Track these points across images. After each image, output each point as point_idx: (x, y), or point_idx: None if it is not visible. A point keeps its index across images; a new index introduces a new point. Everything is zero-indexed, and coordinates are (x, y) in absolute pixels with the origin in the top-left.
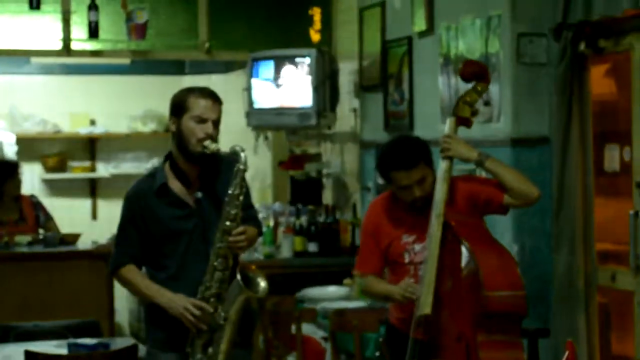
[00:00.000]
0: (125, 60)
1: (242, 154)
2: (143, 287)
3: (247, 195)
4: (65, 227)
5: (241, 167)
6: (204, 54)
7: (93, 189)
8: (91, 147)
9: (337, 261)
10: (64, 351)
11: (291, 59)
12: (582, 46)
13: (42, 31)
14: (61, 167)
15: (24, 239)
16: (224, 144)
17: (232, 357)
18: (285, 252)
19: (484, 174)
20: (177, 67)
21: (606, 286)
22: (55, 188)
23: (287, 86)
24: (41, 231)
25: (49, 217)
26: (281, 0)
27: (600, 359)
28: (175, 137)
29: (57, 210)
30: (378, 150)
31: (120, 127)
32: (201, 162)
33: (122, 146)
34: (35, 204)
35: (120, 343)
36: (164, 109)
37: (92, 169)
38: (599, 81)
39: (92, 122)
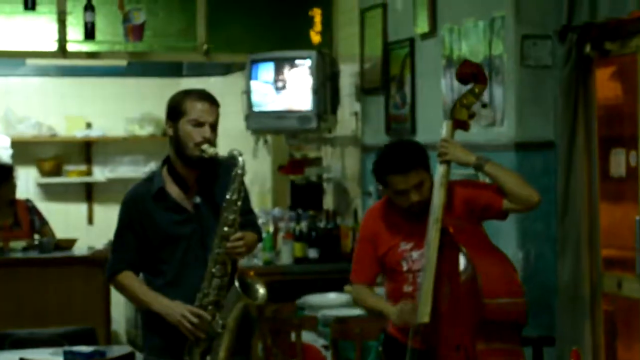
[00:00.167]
0: (122, 62)
1: (240, 158)
2: (140, 294)
3: (246, 200)
4: (60, 232)
5: (239, 171)
6: (202, 56)
7: (89, 193)
8: (87, 150)
9: (338, 267)
10: (59, 359)
11: (291, 61)
12: (588, 48)
13: (38, 32)
14: (57, 171)
15: (19, 244)
16: (223, 148)
17: None
18: (285, 259)
19: (487, 180)
20: (174, 69)
21: (612, 293)
22: (51, 192)
23: (287, 89)
24: (36, 236)
25: (44, 222)
26: (281, 1)
27: None
28: (173, 141)
29: (52, 215)
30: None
31: (117, 130)
32: (199, 166)
33: (119, 150)
34: (30, 208)
35: (117, 351)
36: (162, 111)
37: (88, 172)
38: (605, 84)
39: (88, 125)
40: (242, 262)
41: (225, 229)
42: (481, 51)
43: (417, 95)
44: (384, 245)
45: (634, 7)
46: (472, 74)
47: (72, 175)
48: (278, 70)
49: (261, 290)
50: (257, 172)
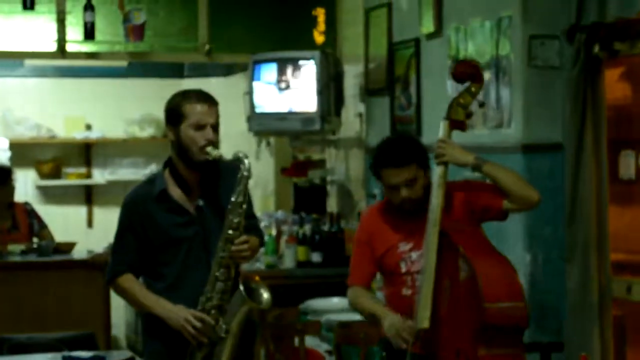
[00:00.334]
0: (122, 63)
1: (246, 161)
2: (141, 297)
3: (249, 203)
4: (59, 235)
5: (245, 173)
6: (203, 56)
7: (89, 196)
8: (87, 152)
9: (342, 271)
10: None
11: (294, 62)
12: (596, 49)
13: (36, 32)
14: (56, 174)
15: (18, 247)
16: (225, 150)
17: None
18: (288, 262)
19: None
20: (175, 70)
21: (621, 298)
22: (50, 195)
23: (290, 90)
24: (35, 240)
25: (43, 225)
26: (284, 1)
27: None
28: (175, 146)
29: (51, 218)
30: None
31: (117, 131)
32: (202, 168)
33: (119, 151)
34: (29, 211)
35: (116, 356)
36: (162, 113)
37: (88, 175)
38: (614, 85)
39: (88, 127)
40: (244, 266)
41: (230, 231)
42: (488, 51)
43: (423, 96)
44: (381, 246)
45: None
46: (468, 72)
47: (72, 177)
48: (281, 71)
49: (265, 295)
50: (260, 174)
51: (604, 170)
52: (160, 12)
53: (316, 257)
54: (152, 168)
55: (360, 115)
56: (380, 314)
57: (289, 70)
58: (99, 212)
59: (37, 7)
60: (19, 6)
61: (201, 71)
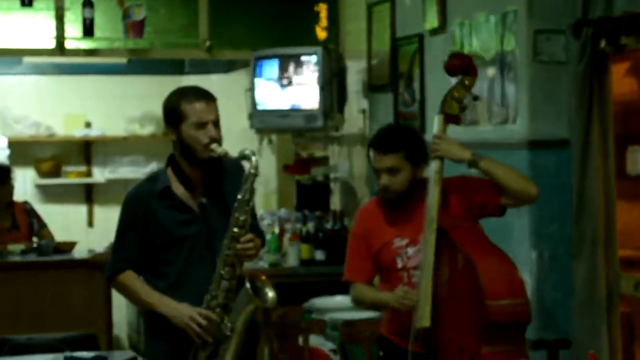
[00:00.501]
0: (122, 60)
1: (254, 158)
2: (144, 295)
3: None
4: (60, 234)
5: (252, 171)
6: (204, 53)
7: (89, 194)
8: (86, 150)
9: None
10: None
11: (296, 58)
12: (603, 43)
13: (35, 29)
14: (55, 172)
15: (17, 247)
16: (227, 148)
17: None
18: (292, 261)
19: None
20: (176, 67)
21: (629, 295)
22: (50, 194)
23: (292, 86)
24: (35, 239)
25: (43, 225)
26: None
27: None
28: (178, 146)
29: (51, 217)
30: None
31: (117, 129)
32: (206, 166)
33: (119, 150)
34: (28, 211)
35: (118, 356)
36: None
37: (88, 173)
38: (621, 80)
39: (88, 125)
40: (247, 265)
41: (236, 229)
42: (493, 47)
43: (427, 92)
44: (377, 241)
45: None
46: (461, 65)
47: (71, 176)
48: (283, 67)
49: (271, 294)
50: (262, 172)
51: (610, 166)
52: (160, 8)
53: (320, 255)
54: (153, 166)
55: (363, 111)
56: (383, 296)
57: (291, 66)
58: (99, 211)
59: (35, 3)
60: (17, 3)
61: (202, 68)
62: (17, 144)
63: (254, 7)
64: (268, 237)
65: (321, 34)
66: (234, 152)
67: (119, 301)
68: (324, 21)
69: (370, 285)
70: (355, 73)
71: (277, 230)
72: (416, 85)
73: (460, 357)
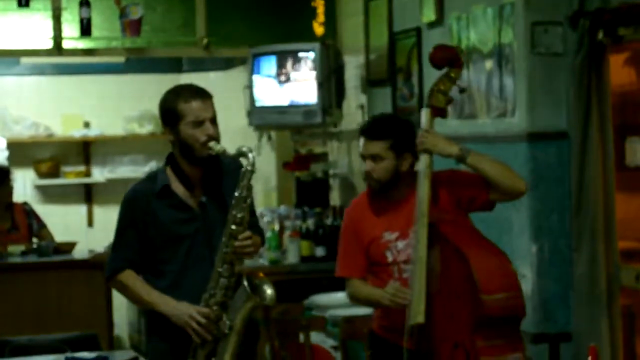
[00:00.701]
0: (120, 59)
1: (251, 155)
2: (144, 294)
3: (251, 200)
4: (59, 235)
5: (249, 168)
6: (202, 51)
7: (88, 194)
8: (85, 150)
9: None
10: None
11: (294, 54)
12: (601, 35)
13: (32, 30)
14: (54, 173)
15: (17, 248)
16: (225, 145)
17: None
18: (292, 258)
19: None
20: (174, 65)
21: (630, 287)
22: (49, 194)
23: (291, 83)
24: (35, 240)
25: (42, 225)
26: None
27: None
28: (177, 145)
29: (51, 217)
30: None
31: (116, 129)
32: (205, 164)
33: (118, 149)
34: (28, 211)
35: (120, 356)
36: None
37: (87, 173)
38: (619, 71)
39: (86, 125)
40: (248, 262)
41: (234, 227)
42: (490, 39)
43: (425, 86)
44: (367, 235)
45: None
46: (446, 57)
47: (70, 176)
48: (281, 64)
49: (269, 291)
50: (261, 169)
51: (610, 157)
52: (158, 6)
53: (320, 251)
54: (152, 165)
55: (361, 107)
56: (376, 292)
57: (289, 62)
58: (99, 211)
59: (32, 4)
60: (14, 3)
61: (200, 66)
62: (15, 144)
63: (250, 4)
64: (268, 234)
65: (319, 30)
66: (233, 150)
67: (119, 301)
68: (321, 17)
69: (365, 280)
70: (353, 68)
71: (277, 227)
72: (414, 79)
73: (455, 352)
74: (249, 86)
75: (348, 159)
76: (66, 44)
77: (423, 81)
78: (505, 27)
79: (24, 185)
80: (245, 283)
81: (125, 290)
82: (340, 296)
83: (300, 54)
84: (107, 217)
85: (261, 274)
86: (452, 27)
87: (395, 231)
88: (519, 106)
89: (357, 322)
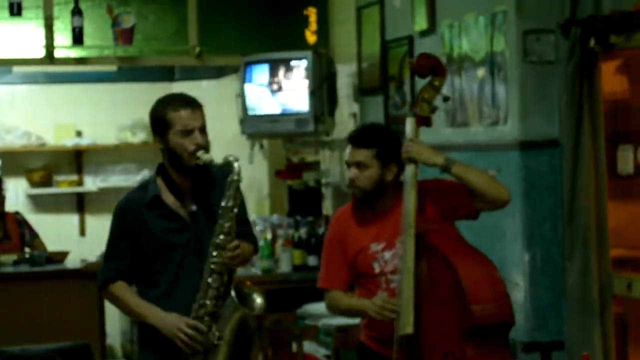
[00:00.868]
0: (112, 67)
1: (236, 164)
2: (133, 306)
3: (242, 208)
4: (52, 244)
5: (235, 177)
6: (194, 59)
7: (80, 203)
8: (78, 159)
9: None
10: None
11: (286, 63)
12: (592, 42)
13: (24, 39)
14: (47, 182)
15: (9, 258)
16: (217, 154)
17: None
18: (284, 266)
19: None
20: (166, 74)
21: (622, 295)
22: (41, 204)
23: (283, 91)
24: (27, 250)
25: (34, 235)
26: (274, 1)
27: None
28: (166, 154)
29: (43, 227)
30: None
31: (108, 137)
32: (194, 174)
33: (111, 158)
34: (20, 221)
35: None
36: None
37: (79, 182)
38: (611, 79)
39: (79, 134)
40: (240, 271)
41: (221, 237)
42: (482, 47)
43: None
44: (353, 247)
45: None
46: (429, 67)
47: (63, 185)
48: (273, 72)
49: (258, 300)
50: (254, 177)
51: (602, 165)
52: (150, 15)
53: (312, 260)
54: (145, 174)
55: (354, 115)
56: (361, 303)
57: (281, 71)
58: (91, 220)
59: (24, 12)
60: (6, 12)
61: (192, 74)
62: (7, 154)
63: (243, 12)
64: (260, 243)
65: (311, 38)
66: (221, 159)
67: (112, 310)
68: (313, 25)
69: (346, 292)
70: (345, 77)
71: (269, 236)
72: (407, 87)
73: None
74: (241, 94)
75: (340, 168)
76: (58, 53)
77: (415, 89)
78: (498, 35)
79: (16, 194)
80: (233, 293)
81: (116, 302)
82: None
83: (293, 63)
84: (100, 226)
85: (248, 283)
86: (444, 35)
87: (381, 242)
88: (511, 114)
89: (349, 331)
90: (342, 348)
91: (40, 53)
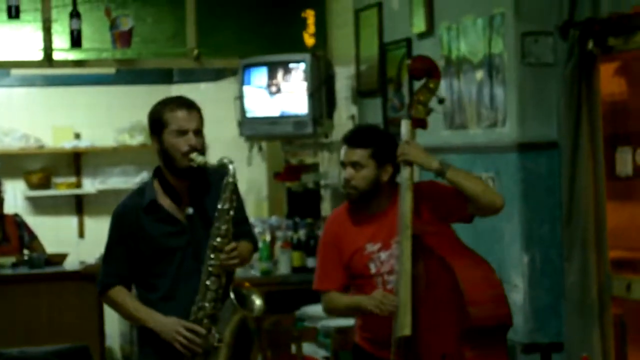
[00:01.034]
0: (110, 70)
1: (231, 166)
2: (133, 310)
3: (241, 208)
4: (51, 246)
5: (230, 179)
6: (192, 62)
7: (79, 205)
8: (76, 162)
9: None
10: None
11: (285, 65)
12: (591, 45)
13: (22, 41)
14: (45, 184)
15: (8, 260)
16: (216, 156)
17: None
18: (283, 268)
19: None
20: (164, 76)
21: (621, 296)
22: (40, 206)
23: (281, 93)
24: (26, 252)
25: (33, 237)
26: (273, 4)
27: None
28: (161, 155)
29: (42, 229)
30: None
31: (107, 140)
32: (189, 176)
33: (109, 160)
34: (19, 223)
35: None
36: None
37: (78, 184)
38: (609, 81)
39: (77, 136)
40: (239, 272)
41: (218, 239)
42: (480, 50)
43: None
44: (348, 248)
45: (637, 2)
46: (424, 69)
47: (61, 187)
48: (271, 75)
49: (257, 302)
50: (252, 180)
51: (600, 167)
52: (148, 18)
53: (311, 262)
54: (143, 176)
55: (352, 117)
56: (359, 299)
57: (280, 73)
58: (90, 222)
59: (22, 15)
60: (4, 15)
61: (190, 77)
62: (6, 156)
63: (241, 15)
64: (260, 245)
65: (309, 41)
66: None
67: (111, 312)
68: (311, 27)
69: (342, 293)
70: (343, 79)
71: (268, 238)
72: (405, 89)
73: None
74: (240, 97)
75: (339, 170)
76: (56, 56)
77: (413, 92)
78: (496, 37)
79: (15, 196)
80: (232, 295)
81: (115, 307)
82: None
83: (291, 65)
84: (98, 228)
85: (247, 284)
86: (443, 37)
87: (377, 242)
88: (510, 116)
89: (348, 333)
90: (341, 349)
91: (39, 56)
